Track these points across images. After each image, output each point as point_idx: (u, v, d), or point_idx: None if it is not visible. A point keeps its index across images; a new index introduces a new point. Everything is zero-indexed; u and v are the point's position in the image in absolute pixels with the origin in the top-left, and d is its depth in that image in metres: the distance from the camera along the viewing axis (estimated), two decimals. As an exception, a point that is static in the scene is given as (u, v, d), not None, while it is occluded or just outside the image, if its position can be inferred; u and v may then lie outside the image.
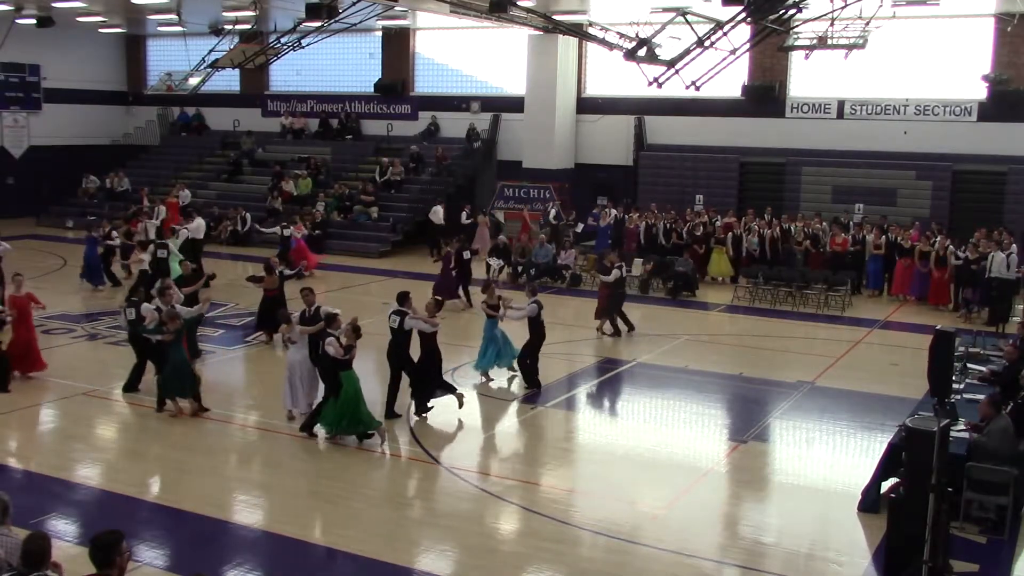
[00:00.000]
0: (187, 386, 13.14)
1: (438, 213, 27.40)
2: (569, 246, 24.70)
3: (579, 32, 25.22)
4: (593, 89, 30.37)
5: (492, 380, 15.17)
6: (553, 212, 27.45)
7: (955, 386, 11.97)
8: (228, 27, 30.91)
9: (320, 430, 12.37)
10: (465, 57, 32.36)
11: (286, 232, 24.96)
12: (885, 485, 10.48)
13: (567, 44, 29.02)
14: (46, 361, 14.88)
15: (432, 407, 13.33)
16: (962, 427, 10.58)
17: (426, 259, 26.07)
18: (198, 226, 23.57)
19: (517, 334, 15.15)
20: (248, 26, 29.70)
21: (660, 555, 9.32)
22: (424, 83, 33.16)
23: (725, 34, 20.73)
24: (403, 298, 13.38)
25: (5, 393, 13.89)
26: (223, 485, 11.06)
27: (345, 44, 33.02)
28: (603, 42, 24.07)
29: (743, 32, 22.02)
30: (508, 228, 27.54)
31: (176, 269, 19.99)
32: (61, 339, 17.46)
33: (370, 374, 13.93)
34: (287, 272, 17.29)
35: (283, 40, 29.73)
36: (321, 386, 12.84)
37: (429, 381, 13.31)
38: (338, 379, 12.00)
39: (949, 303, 21.30)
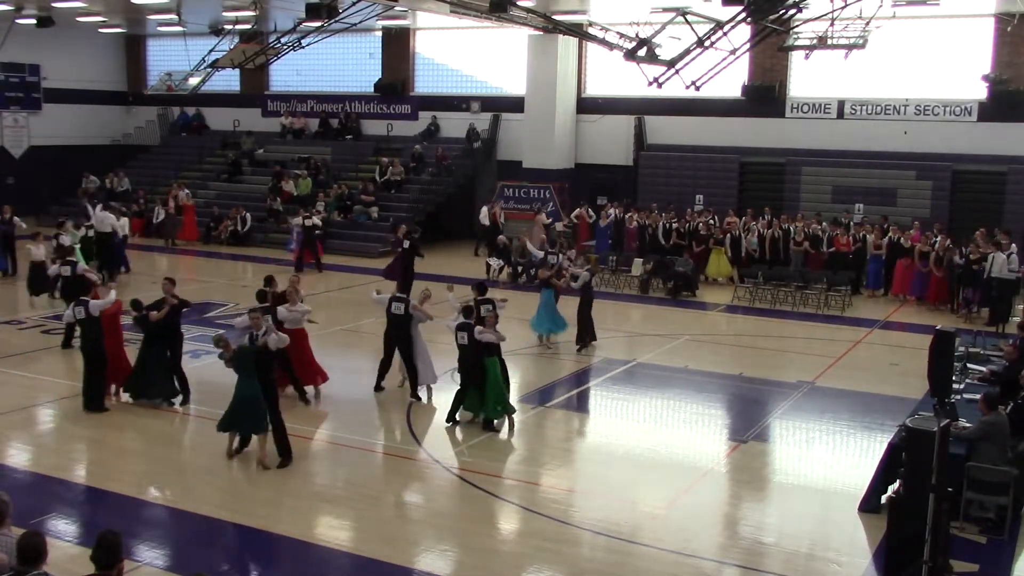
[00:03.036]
0: (259, 424, 11.42)
1: (484, 214, 27.41)
2: (568, 247, 24.67)
3: (579, 32, 25.21)
4: (593, 89, 30.36)
5: (551, 347, 17.09)
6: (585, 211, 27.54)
7: (955, 386, 11.96)
8: (228, 27, 30.92)
9: (464, 415, 12.99)
10: (465, 57, 32.34)
11: (308, 223, 25.40)
12: (889, 490, 10.44)
13: (567, 44, 29.01)
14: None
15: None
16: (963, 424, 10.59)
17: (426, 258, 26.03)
18: (102, 219, 23.04)
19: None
20: (248, 26, 29.70)
21: (660, 555, 9.32)
22: (424, 83, 33.15)
23: (725, 34, 20.72)
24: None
25: (103, 412, 13.31)
26: (223, 485, 11.06)
27: (345, 44, 33.01)
28: (603, 42, 24.06)
29: (743, 32, 22.01)
30: (508, 229, 27.51)
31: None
32: (61, 339, 17.46)
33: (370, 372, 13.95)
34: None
35: (283, 40, 29.72)
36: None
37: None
38: (481, 366, 12.65)
39: (948, 303, 21.27)
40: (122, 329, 14.37)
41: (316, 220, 25.93)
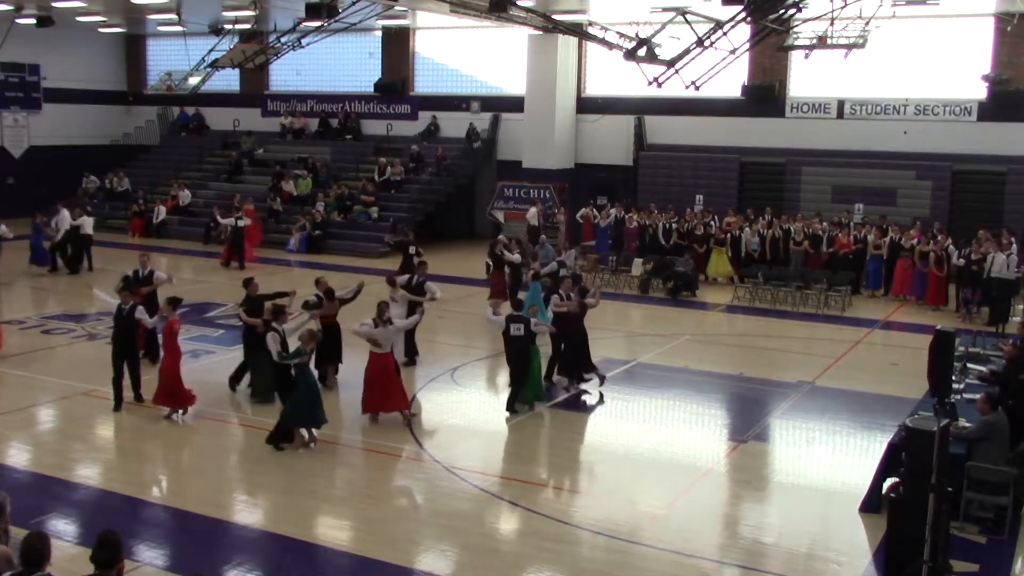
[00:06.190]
0: (319, 414, 12.08)
1: (532, 213, 27.40)
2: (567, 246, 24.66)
3: (579, 32, 25.22)
4: (593, 89, 30.36)
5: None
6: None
7: (955, 386, 11.96)
8: (228, 27, 30.91)
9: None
10: (465, 57, 32.36)
11: (241, 223, 25.45)
12: (886, 484, 10.46)
13: (567, 44, 29.01)
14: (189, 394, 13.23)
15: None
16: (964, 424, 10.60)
17: (426, 258, 26.06)
18: (64, 218, 24.09)
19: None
20: (248, 26, 29.70)
21: (660, 555, 9.32)
22: (424, 83, 33.16)
23: (725, 34, 20.73)
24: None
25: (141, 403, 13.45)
26: (223, 485, 11.06)
27: (345, 44, 33.02)
28: (603, 42, 24.07)
29: (743, 32, 22.03)
30: (507, 228, 27.52)
31: None
32: (61, 339, 17.47)
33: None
34: (345, 295, 15.16)
35: (283, 40, 29.73)
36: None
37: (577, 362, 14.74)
38: (529, 356, 13.37)
39: (945, 304, 21.28)
40: (179, 348, 13.23)
41: (245, 221, 25.87)
